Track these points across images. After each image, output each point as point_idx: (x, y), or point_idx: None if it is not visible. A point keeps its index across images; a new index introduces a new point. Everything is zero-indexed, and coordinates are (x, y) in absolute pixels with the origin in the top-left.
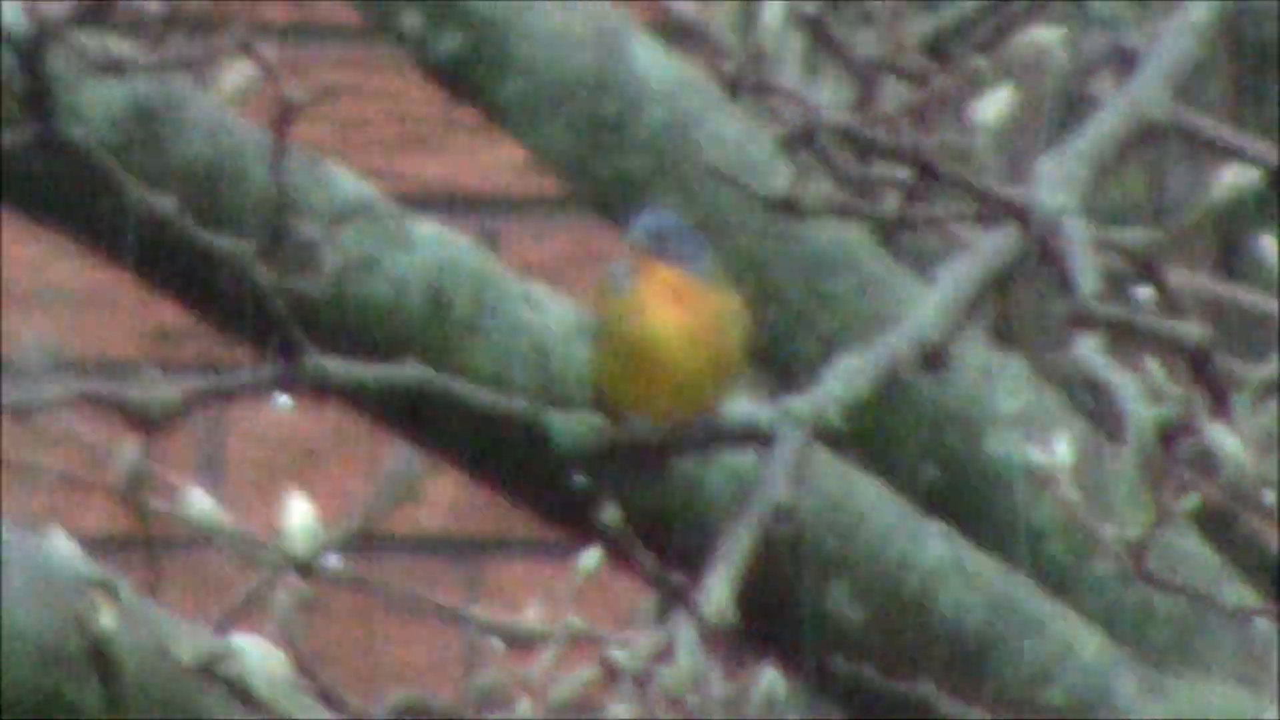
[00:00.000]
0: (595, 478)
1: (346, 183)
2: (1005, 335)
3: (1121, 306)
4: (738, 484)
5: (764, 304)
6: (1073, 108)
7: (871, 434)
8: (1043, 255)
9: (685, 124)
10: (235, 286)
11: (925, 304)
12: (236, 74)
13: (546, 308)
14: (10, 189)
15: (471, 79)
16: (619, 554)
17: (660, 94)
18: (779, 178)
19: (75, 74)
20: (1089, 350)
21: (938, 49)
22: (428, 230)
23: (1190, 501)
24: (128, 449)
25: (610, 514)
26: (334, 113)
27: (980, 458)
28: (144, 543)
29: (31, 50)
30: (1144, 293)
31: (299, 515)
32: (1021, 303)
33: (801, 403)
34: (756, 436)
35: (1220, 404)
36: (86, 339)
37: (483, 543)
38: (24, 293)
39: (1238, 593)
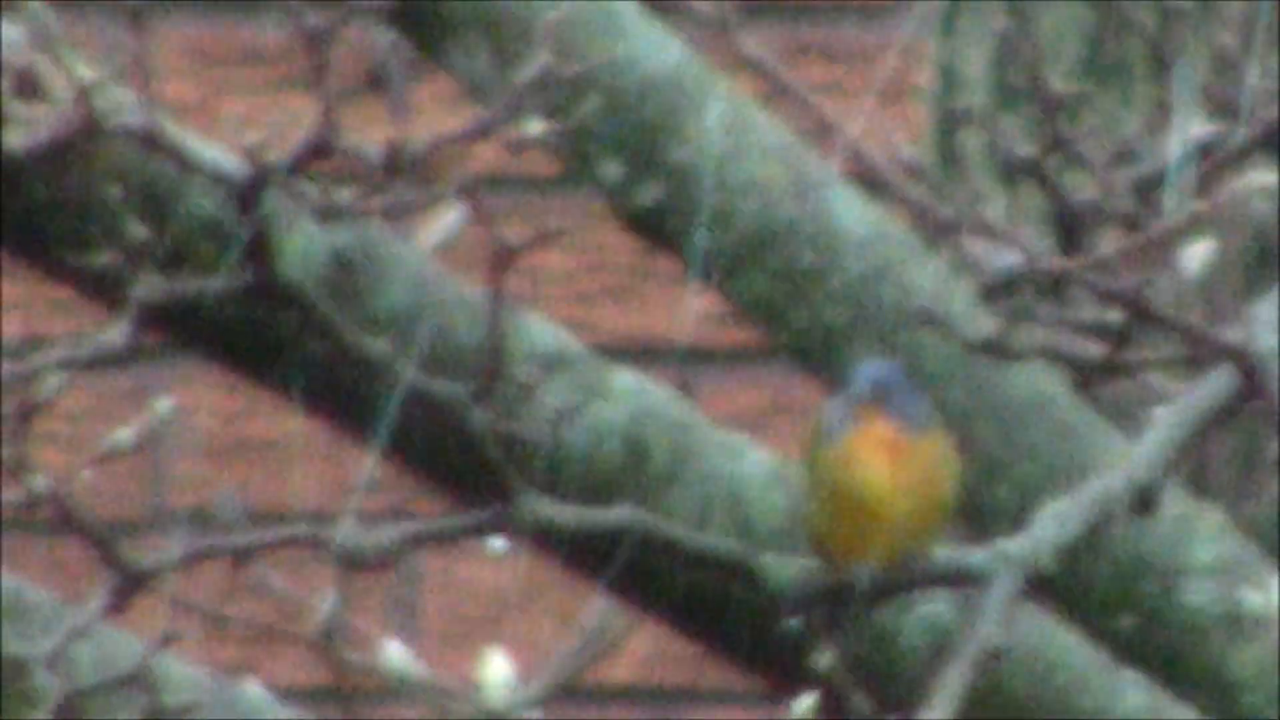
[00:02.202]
0: (807, 622)
1: (544, 332)
2: (1201, 484)
3: None
4: (933, 634)
5: (961, 452)
6: (1265, 254)
7: (1066, 581)
8: (1256, 398)
9: (883, 273)
10: (436, 432)
11: (1140, 446)
12: (437, 223)
13: (744, 457)
14: (206, 339)
15: (670, 229)
16: (827, 701)
17: (859, 244)
18: (979, 325)
19: (280, 221)
20: None
21: (1142, 194)
22: (626, 380)
23: None
24: (324, 600)
25: (826, 658)
26: (530, 263)
27: (1176, 607)
28: (339, 694)
29: (249, 195)
30: None
31: (497, 670)
32: (1219, 452)
33: (1015, 545)
34: (969, 579)
35: None
36: (280, 490)
37: (675, 693)
38: (219, 444)
39: None
